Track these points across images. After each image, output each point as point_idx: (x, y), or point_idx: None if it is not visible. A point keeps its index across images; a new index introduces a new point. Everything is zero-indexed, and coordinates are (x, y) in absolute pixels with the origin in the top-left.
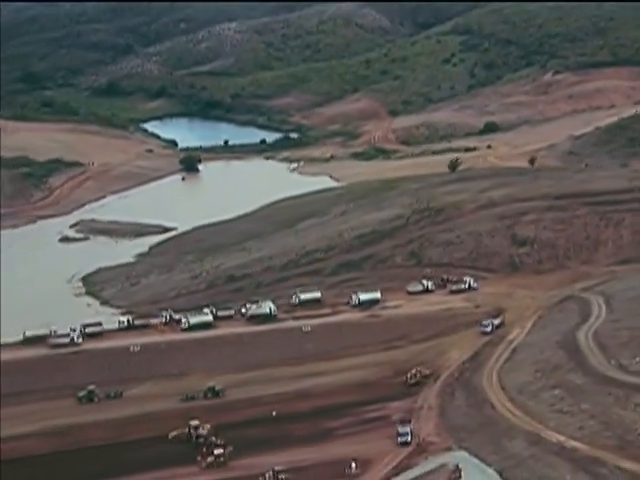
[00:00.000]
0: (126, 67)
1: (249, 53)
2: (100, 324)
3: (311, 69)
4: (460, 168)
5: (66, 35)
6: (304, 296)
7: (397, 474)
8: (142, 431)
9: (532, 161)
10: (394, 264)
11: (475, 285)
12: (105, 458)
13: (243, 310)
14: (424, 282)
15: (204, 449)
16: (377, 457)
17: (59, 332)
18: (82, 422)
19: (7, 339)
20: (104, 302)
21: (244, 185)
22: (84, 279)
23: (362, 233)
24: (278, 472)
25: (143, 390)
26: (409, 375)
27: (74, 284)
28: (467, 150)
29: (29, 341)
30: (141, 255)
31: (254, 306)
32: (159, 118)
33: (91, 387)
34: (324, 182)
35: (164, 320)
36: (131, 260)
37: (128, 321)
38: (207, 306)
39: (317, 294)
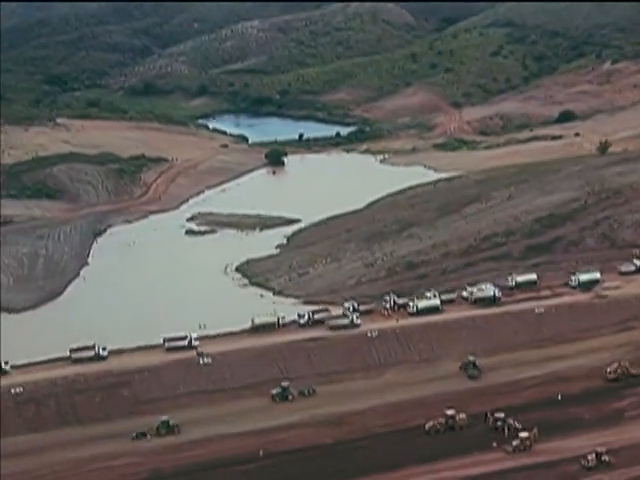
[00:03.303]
0: (154, 67)
1: (281, 50)
2: (328, 310)
3: (356, 64)
4: (556, 156)
5: (81, 37)
6: (520, 278)
7: None
8: (417, 417)
9: None
10: (587, 247)
11: None
12: (389, 446)
13: (464, 294)
14: (636, 262)
15: (505, 433)
16: None
17: (336, 313)
18: (356, 410)
19: (232, 328)
20: (277, 292)
21: (341, 177)
22: (239, 270)
23: (540, 216)
24: (600, 454)
25: (398, 375)
26: (609, 370)
27: (231, 276)
28: (553, 138)
29: (258, 329)
30: (282, 246)
31: (475, 289)
32: (209, 116)
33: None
34: (420, 172)
35: (388, 305)
36: (275, 251)
37: (353, 306)
38: (428, 290)
39: (533, 276)
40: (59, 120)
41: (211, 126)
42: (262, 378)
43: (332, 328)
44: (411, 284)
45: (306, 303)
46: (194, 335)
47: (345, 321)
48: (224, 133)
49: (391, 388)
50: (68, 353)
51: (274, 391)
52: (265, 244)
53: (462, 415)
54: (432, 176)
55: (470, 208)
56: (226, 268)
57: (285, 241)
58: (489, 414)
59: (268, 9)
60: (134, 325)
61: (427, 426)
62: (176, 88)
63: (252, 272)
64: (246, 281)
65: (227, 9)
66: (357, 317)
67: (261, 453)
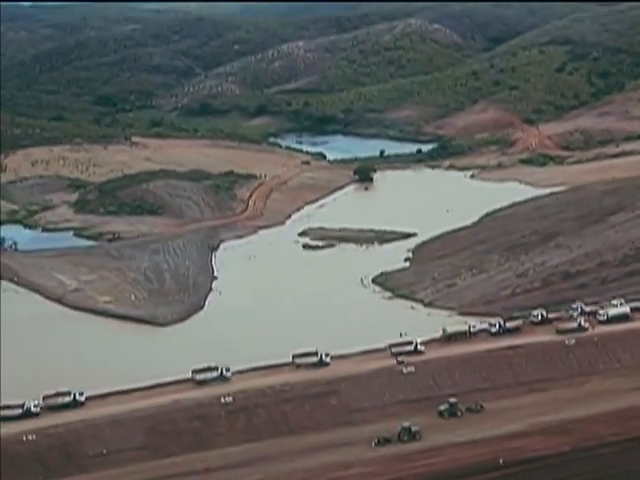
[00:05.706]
0: (204, 87)
1: (334, 70)
2: (518, 318)
3: (416, 82)
4: None
5: (123, 59)
6: None
7: None
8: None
9: None
10: None
11: None
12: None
13: None
14: None
15: None
16: None
17: (565, 316)
18: (579, 417)
19: (425, 338)
20: (427, 304)
21: (436, 192)
22: (376, 283)
23: None
24: None
25: (601, 383)
26: None
27: (371, 288)
28: None
29: (450, 338)
30: (410, 259)
31: None
32: (271, 134)
33: None
34: (516, 187)
35: (576, 314)
36: (405, 264)
37: (541, 315)
38: (613, 298)
39: None
40: (134, 139)
41: (283, 144)
42: (468, 387)
43: (559, 332)
44: (571, 294)
45: (462, 314)
46: (419, 340)
47: (574, 324)
48: (300, 151)
49: (598, 397)
50: (290, 359)
51: (442, 407)
52: (389, 257)
53: None
54: (531, 191)
55: (616, 217)
56: (362, 280)
57: (410, 254)
58: None
59: (307, 30)
60: (306, 336)
61: None
62: (233, 108)
63: (392, 284)
64: (389, 293)
65: (266, 31)
66: (585, 320)
67: (501, 461)
